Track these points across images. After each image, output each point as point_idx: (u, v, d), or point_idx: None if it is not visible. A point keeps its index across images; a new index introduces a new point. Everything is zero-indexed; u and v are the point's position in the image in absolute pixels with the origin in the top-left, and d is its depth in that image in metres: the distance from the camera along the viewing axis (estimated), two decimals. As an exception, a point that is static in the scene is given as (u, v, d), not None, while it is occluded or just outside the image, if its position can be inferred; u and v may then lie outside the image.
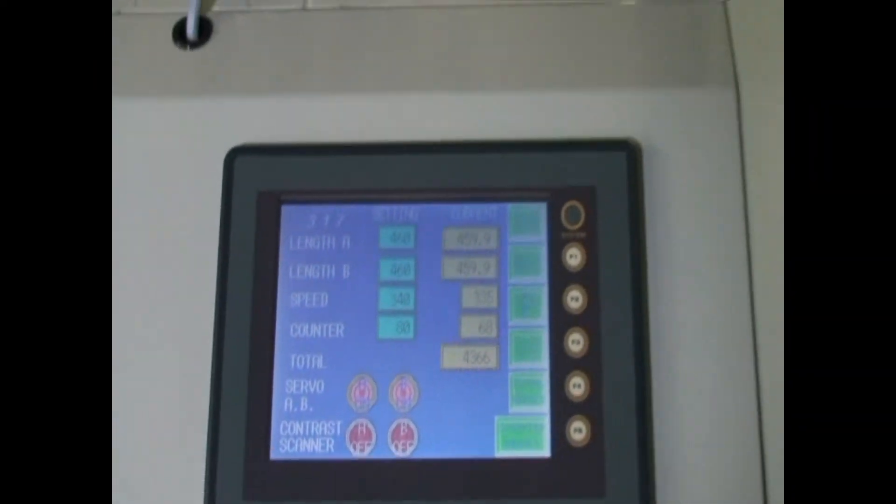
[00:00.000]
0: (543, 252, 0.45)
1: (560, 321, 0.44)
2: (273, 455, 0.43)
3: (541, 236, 0.45)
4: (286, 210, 0.46)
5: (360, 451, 0.43)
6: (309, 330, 0.44)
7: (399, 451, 0.43)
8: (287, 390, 0.44)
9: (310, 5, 0.51)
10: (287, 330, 0.44)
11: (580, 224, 0.45)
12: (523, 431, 0.43)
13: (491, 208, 0.45)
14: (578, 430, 0.43)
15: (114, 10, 0.50)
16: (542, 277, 0.44)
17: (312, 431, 0.43)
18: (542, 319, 0.44)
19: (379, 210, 0.46)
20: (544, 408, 0.43)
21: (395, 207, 0.46)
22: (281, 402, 0.44)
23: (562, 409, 0.43)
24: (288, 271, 0.45)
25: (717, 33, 0.49)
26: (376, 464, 0.43)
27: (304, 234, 0.46)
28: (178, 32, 0.50)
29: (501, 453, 0.43)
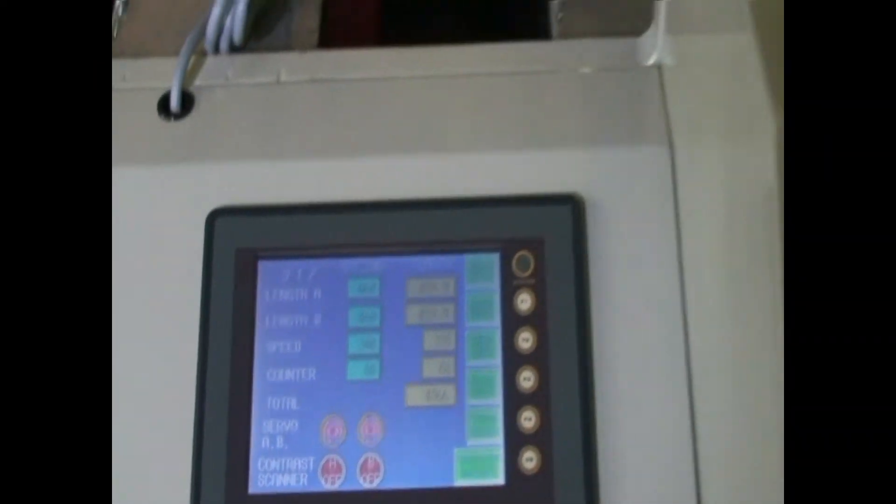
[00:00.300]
0: (497, 298, 0.49)
1: (512, 360, 0.48)
2: (251, 489, 0.47)
3: (494, 284, 0.49)
4: (262, 265, 0.50)
5: (331, 484, 0.47)
6: (284, 374, 0.48)
7: (367, 483, 0.47)
8: (264, 430, 0.48)
9: (283, 78, 0.55)
10: (264, 375, 0.48)
11: (530, 272, 0.49)
12: (479, 462, 0.47)
13: (449, 260, 0.50)
14: (530, 460, 0.47)
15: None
16: (496, 321, 0.49)
17: (287, 467, 0.47)
18: (496, 359, 0.48)
19: (347, 263, 0.50)
20: (499, 439, 0.47)
21: (362, 261, 0.50)
22: (259, 441, 0.47)
23: (514, 441, 0.47)
24: (264, 321, 0.49)
25: (653, 97, 0.53)
26: (346, 495, 0.47)
27: (279, 286, 0.50)
28: (163, 105, 0.54)
29: (460, 482, 0.47)
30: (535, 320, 0.48)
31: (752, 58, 0.39)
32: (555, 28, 0.59)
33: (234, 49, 0.57)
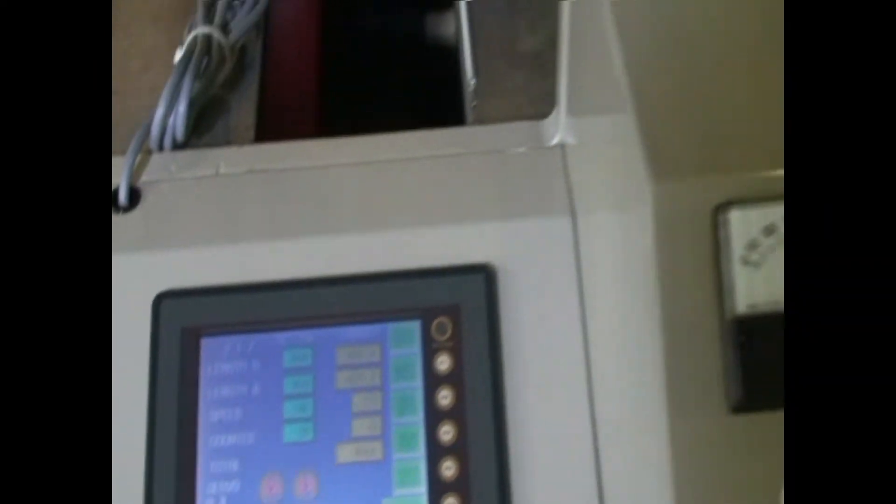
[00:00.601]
0: (418, 361, 0.54)
1: (433, 416, 0.53)
2: (198, 547, 0.51)
3: (416, 348, 0.54)
4: (205, 342, 0.55)
5: (271, 537, 0.51)
6: (226, 440, 0.53)
7: (304, 534, 0.51)
8: (209, 491, 0.52)
9: (222, 171, 0.61)
10: (208, 441, 0.53)
11: (448, 335, 0.54)
12: (406, 509, 0.52)
13: (374, 328, 0.54)
14: (451, 505, 0.51)
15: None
16: (418, 382, 0.53)
17: (231, 524, 0.52)
18: (419, 416, 0.53)
19: (282, 336, 0.55)
20: (422, 488, 0.52)
21: (295, 333, 0.55)
22: (204, 502, 0.52)
23: (437, 489, 0.51)
24: (207, 393, 0.54)
25: (557, 173, 0.59)
26: (286, 546, 0.51)
27: (221, 361, 0.54)
28: (113, 200, 0.60)
29: (389, 528, 0.51)
30: (453, 379, 0.53)
31: (632, 134, 0.44)
32: (469, 115, 0.65)
33: (177, 146, 0.62)
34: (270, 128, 0.68)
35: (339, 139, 0.61)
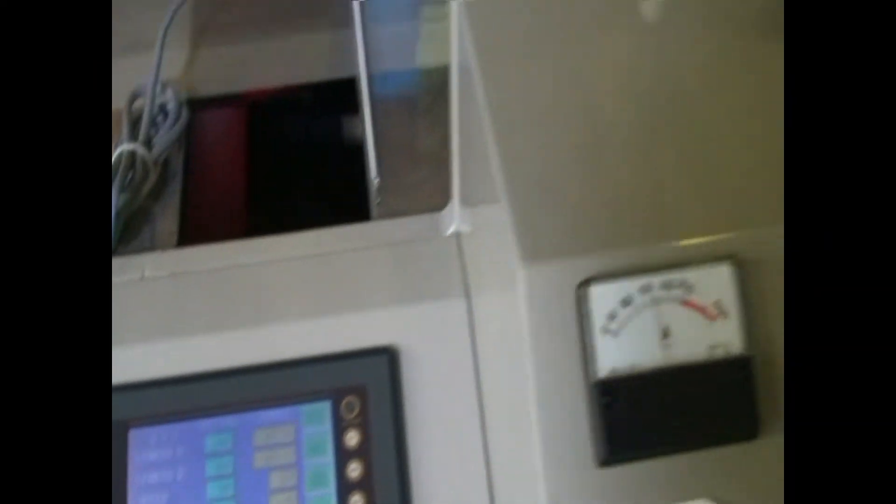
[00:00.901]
0: (329, 438, 0.58)
1: (344, 488, 0.57)
2: None
3: (327, 426, 0.59)
4: (133, 433, 0.59)
5: None
6: (154, 523, 0.57)
7: None
8: (139, 572, 0.56)
9: (147, 274, 0.65)
10: (137, 526, 0.57)
11: (356, 413, 0.59)
12: (320, 570, 0.56)
13: (289, 411, 0.59)
14: (360, 566, 0.56)
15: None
16: (329, 457, 0.58)
17: None
18: (331, 489, 0.57)
19: (204, 423, 0.59)
20: None
21: (216, 420, 0.59)
22: (135, 581, 0.56)
23: None
24: (136, 480, 0.58)
25: (453, 260, 0.64)
26: None
27: (148, 450, 0.59)
28: (45, 306, 0.64)
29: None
30: (361, 453, 0.58)
31: (506, 222, 0.50)
32: (374, 210, 0.71)
33: (105, 254, 0.67)
34: (198, 232, 0.74)
35: (253, 240, 0.67)
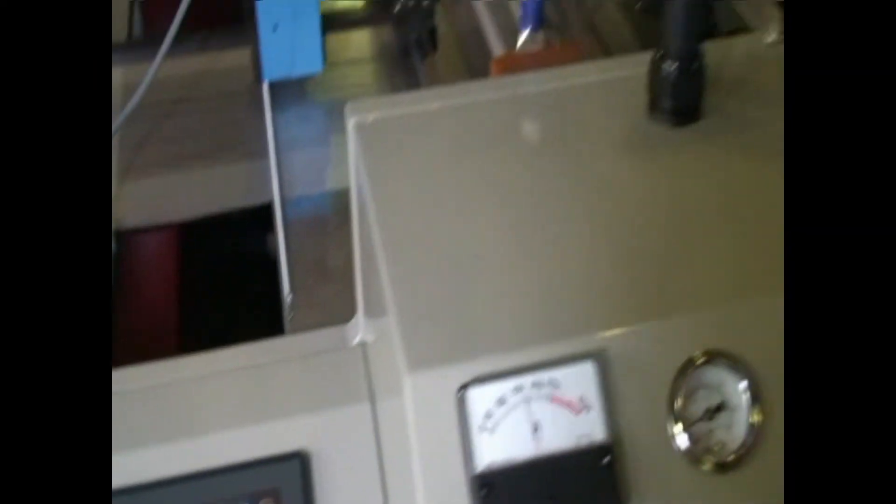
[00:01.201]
0: (248, 537, 0.64)
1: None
2: None
3: (245, 527, 0.64)
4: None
5: None
6: None
7: None
8: None
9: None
10: None
11: (272, 514, 0.64)
12: None
13: (211, 520, 0.64)
14: None
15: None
16: (247, 557, 0.63)
17: None
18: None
19: None
20: None
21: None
22: None
23: None
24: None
25: (358, 368, 0.70)
26: None
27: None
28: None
29: None
30: (277, 554, 0.63)
31: (394, 332, 0.56)
32: (287, 325, 0.77)
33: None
34: (130, 352, 0.79)
35: (175, 359, 0.72)
